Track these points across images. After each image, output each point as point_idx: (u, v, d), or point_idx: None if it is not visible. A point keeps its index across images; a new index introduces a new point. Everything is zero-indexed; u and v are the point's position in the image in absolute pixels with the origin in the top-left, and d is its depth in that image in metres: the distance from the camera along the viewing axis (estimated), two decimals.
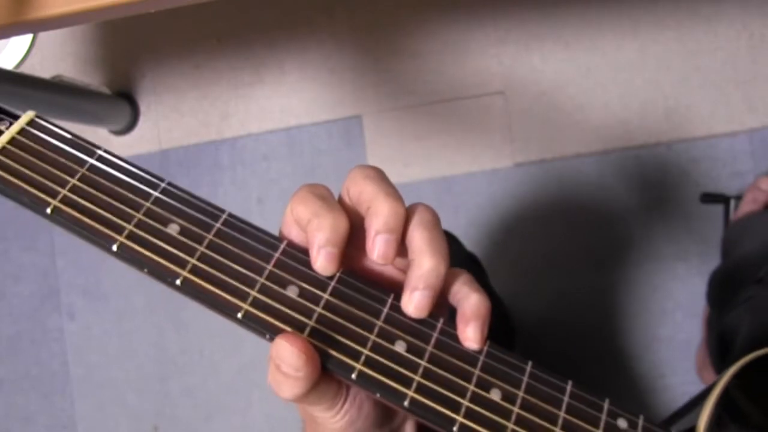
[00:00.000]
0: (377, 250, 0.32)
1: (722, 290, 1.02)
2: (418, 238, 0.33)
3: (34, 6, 0.56)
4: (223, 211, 0.34)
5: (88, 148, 0.35)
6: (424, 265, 0.32)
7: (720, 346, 0.84)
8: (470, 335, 0.33)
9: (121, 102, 1.34)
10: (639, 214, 1.21)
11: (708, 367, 1.08)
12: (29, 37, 1.40)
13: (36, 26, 0.58)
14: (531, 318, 1.19)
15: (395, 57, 1.30)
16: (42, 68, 1.40)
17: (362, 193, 0.33)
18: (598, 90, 1.24)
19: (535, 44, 1.25)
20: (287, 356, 0.31)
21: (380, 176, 0.34)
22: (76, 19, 0.57)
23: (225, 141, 1.33)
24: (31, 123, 0.35)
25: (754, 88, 1.20)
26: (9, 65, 1.39)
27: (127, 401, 1.34)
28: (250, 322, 0.32)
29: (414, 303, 0.33)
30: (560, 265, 1.22)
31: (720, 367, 0.91)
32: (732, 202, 1.16)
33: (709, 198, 1.17)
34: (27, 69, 1.40)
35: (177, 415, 1.32)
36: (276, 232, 0.36)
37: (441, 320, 0.34)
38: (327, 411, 0.34)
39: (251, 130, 1.33)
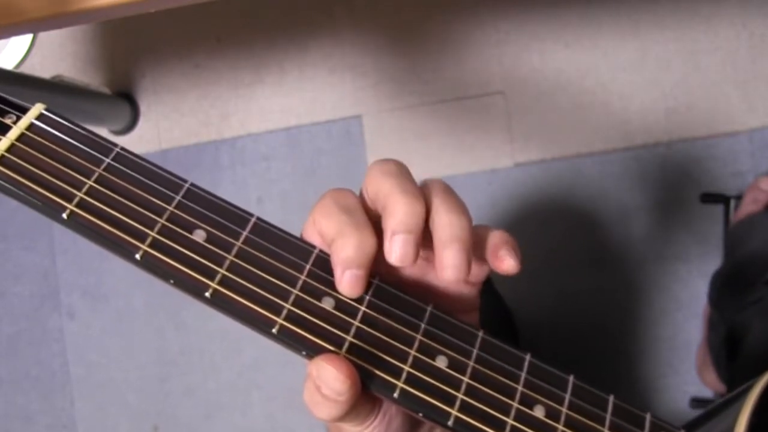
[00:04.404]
0: (394, 253, 0.30)
1: (726, 291, 1.02)
2: (435, 206, 0.31)
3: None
4: (251, 215, 0.32)
5: (104, 145, 0.32)
6: (444, 221, 0.30)
7: (727, 347, 0.84)
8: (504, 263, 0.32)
9: (121, 102, 1.34)
10: (639, 215, 1.21)
11: (708, 367, 1.08)
12: (29, 37, 1.40)
13: (32, 27, 0.58)
14: (531, 318, 1.19)
15: (395, 57, 1.30)
16: (42, 68, 1.40)
17: (379, 191, 0.31)
18: (598, 90, 1.23)
19: (535, 44, 1.25)
20: (331, 381, 0.29)
21: (399, 171, 0.31)
22: (74, 19, 0.57)
23: (225, 141, 1.33)
24: (40, 117, 0.32)
25: (754, 88, 1.20)
26: (9, 65, 1.39)
27: (127, 401, 1.34)
28: (285, 338, 0.30)
29: (449, 262, 0.30)
30: (560, 265, 1.22)
31: (722, 366, 0.91)
32: (732, 202, 1.16)
33: (709, 198, 1.17)
34: (27, 69, 1.40)
35: (177, 415, 1.32)
36: None
37: (481, 332, 0.33)
38: (357, 426, 0.32)
39: (251, 130, 1.33)
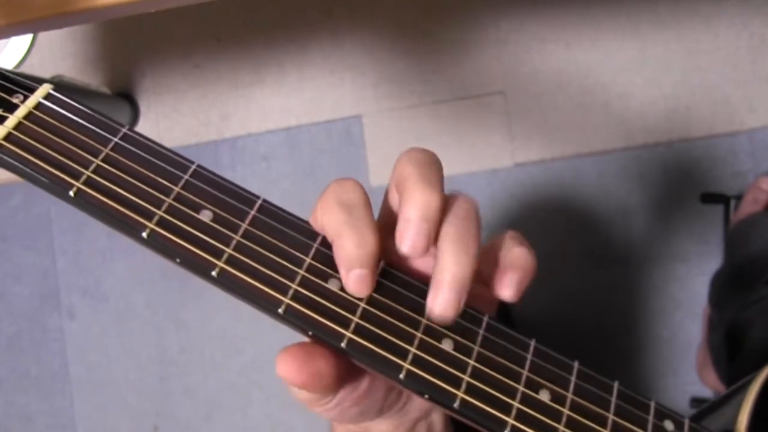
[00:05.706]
0: (406, 241, 0.30)
1: (726, 291, 1.02)
2: (445, 233, 0.30)
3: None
4: (257, 197, 0.32)
5: (112, 125, 0.32)
6: (446, 265, 0.30)
7: (728, 346, 0.84)
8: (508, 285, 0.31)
9: (121, 102, 1.34)
10: (639, 215, 1.21)
11: (708, 367, 1.08)
12: (29, 37, 1.40)
13: (33, 26, 0.58)
14: (531, 318, 1.19)
15: (395, 57, 1.30)
16: (42, 68, 1.40)
17: (401, 176, 0.31)
18: (598, 90, 1.24)
19: (535, 44, 1.25)
20: (288, 383, 0.30)
21: (425, 161, 0.31)
22: (75, 19, 0.57)
23: (225, 141, 1.33)
24: (48, 97, 0.32)
25: (754, 88, 1.20)
26: (9, 65, 1.39)
27: (127, 401, 1.34)
28: (291, 318, 0.30)
29: (438, 302, 0.30)
30: (560, 265, 1.22)
31: (722, 366, 0.91)
32: (732, 202, 1.16)
33: (709, 198, 1.17)
34: (27, 69, 1.40)
35: (177, 415, 1.32)
36: None
37: (486, 316, 0.33)
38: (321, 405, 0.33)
39: (251, 130, 1.33)
